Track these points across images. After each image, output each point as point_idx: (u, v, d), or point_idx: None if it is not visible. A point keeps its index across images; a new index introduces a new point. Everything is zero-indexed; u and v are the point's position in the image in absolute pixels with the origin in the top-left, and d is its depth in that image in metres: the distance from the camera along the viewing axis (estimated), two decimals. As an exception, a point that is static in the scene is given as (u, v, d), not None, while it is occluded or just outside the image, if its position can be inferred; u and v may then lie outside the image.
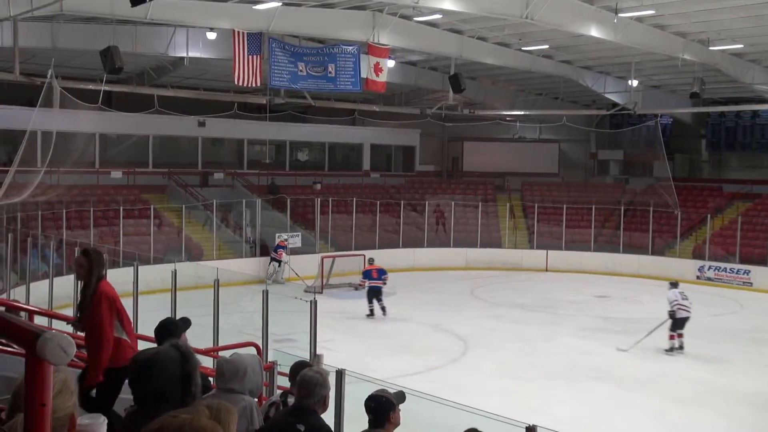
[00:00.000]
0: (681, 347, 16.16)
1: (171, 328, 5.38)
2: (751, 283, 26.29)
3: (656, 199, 31.13)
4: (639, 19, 22.85)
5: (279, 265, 25.02)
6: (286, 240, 25.62)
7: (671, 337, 16.29)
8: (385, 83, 24.83)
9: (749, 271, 26.79)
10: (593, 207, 31.16)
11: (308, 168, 34.95)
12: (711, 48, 25.51)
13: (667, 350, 16.13)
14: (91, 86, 23.26)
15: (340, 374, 6.38)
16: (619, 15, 21.71)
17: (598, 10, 21.78)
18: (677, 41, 24.73)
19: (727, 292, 25.49)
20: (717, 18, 22.50)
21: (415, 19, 23.73)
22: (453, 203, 31.52)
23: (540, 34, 24.69)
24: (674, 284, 16.97)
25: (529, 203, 33.30)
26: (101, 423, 2.87)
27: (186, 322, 5.83)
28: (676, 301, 16.29)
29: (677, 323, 16.18)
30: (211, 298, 10.94)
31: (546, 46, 27.19)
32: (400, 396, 4.59)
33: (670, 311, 16.23)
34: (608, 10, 21.60)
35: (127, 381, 3.37)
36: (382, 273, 20.44)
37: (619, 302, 23.20)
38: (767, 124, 34.18)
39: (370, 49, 23.43)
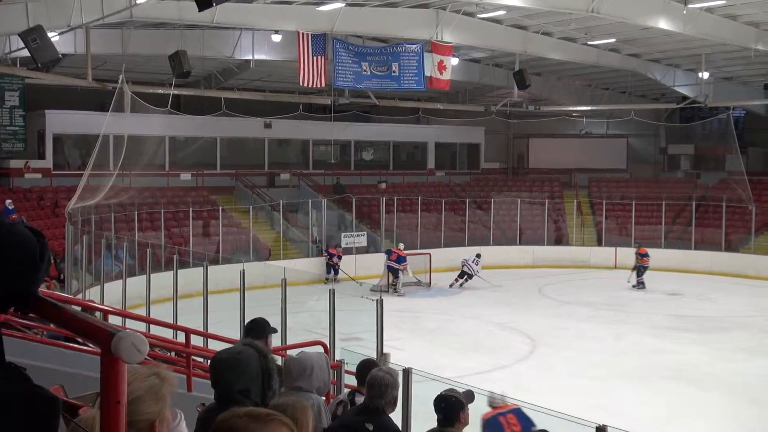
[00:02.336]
0: None
1: (257, 328, 5.42)
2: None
3: (729, 194, 30.30)
4: (709, 9, 22.29)
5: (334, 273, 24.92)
6: (337, 247, 25.50)
7: None
8: (449, 81, 24.76)
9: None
10: (663, 203, 30.50)
11: (373, 167, 35.06)
12: (786, 37, 24.74)
13: None
14: (160, 90, 23.80)
15: (407, 373, 6.37)
16: (689, 6, 21.22)
17: (666, 2, 21.33)
18: (750, 31, 24.05)
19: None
20: (791, 6, 21.82)
21: (478, 15, 23.59)
22: (519, 201, 31.22)
23: (606, 27, 24.28)
24: None
25: (596, 200, 32.77)
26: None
27: (273, 329, 5.90)
28: None
29: None
30: (278, 298, 11.05)
31: (613, 40, 26.74)
32: (470, 395, 4.57)
33: None
34: (677, 1, 21.14)
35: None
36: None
37: (691, 300, 22.65)
38: None
39: (434, 47, 23.38)
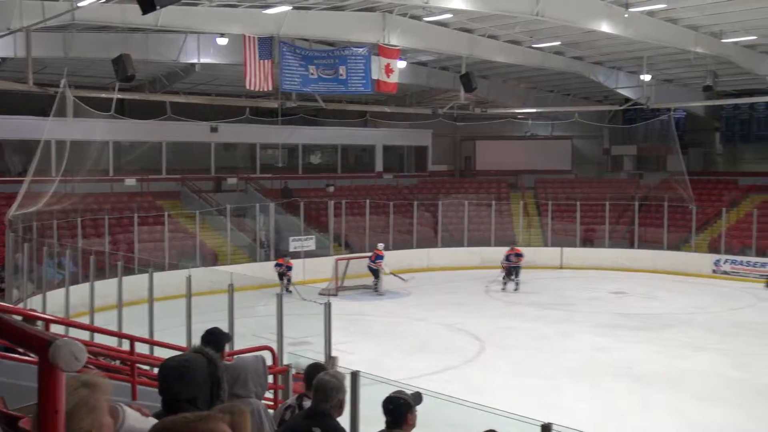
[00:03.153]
0: None
1: (215, 339, 5.35)
2: (769, 276, 26.10)
3: (671, 194, 30.98)
4: (650, 13, 22.75)
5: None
6: (285, 257, 25.15)
7: None
8: (396, 84, 24.84)
9: (766, 264, 26.60)
10: (607, 203, 31.03)
11: (321, 171, 35.00)
12: (723, 40, 25.35)
13: None
14: (103, 95, 23.40)
15: (354, 376, 6.38)
16: (630, 9, 21.62)
17: (608, 5, 21.71)
18: (689, 34, 24.59)
19: (745, 285, 25.30)
20: (729, 10, 22.37)
21: (425, 19, 23.73)
22: (467, 202, 31.45)
23: (551, 30, 24.63)
24: None
25: (542, 201, 33.20)
26: None
27: (228, 337, 5.85)
28: None
29: None
30: (226, 303, 10.96)
31: (557, 43, 27.13)
32: (418, 397, 4.58)
33: None
34: (619, 5, 21.52)
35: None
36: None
37: (635, 298, 23.08)
38: (782, 116, 33.96)
39: (381, 50, 23.45)
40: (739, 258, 27.37)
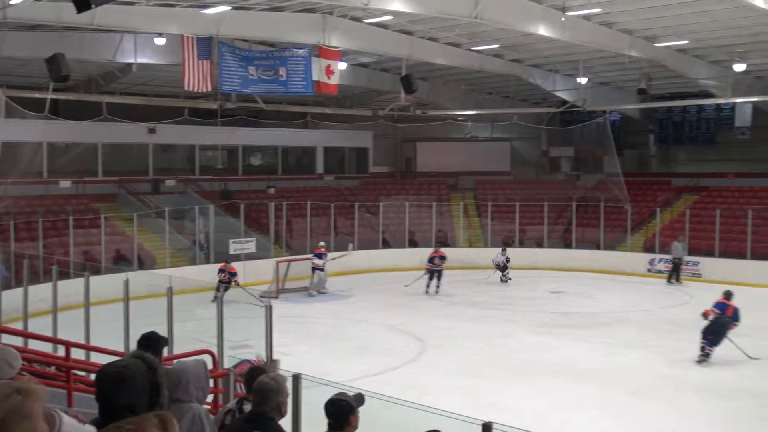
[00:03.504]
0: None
1: (152, 343, 5.27)
2: (700, 275, 26.81)
3: (607, 195, 31.61)
4: (586, 17, 23.16)
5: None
6: (227, 262, 24.97)
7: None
8: (336, 85, 24.81)
9: (698, 263, 27.32)
10: (545, 204, 31.49)
11: (261, 172, 34.74)
12: (657, 44, 25.96)
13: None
14: (37, 95, 22.86)
15: (296, 379, 6.36)
16: (567, 13, 21.97)
17: (546, 9, 22.02)
18: (624, 38, 25.10)
19: (678, 283, 25.93)
20: (662, 15, 22.90)
21: (365, 20, 23.74)
22: (407, 204, 31.58)
23: (489, 33, 24.89)
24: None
25: (482, 202, 33.53)
26: None
27: (166, 341, 5.76)
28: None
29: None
30: (164, 307, 10.80)
31: (496, 46, 27.43)
32: (360, 398, 4.58)
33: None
34: (556, 9, 21.85)
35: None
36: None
37: (573, 297, 23.47)
38: (713, 119, 34.88)
39: (321, 51, 23.39)
40: (672, 257, 28.03)
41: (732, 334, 15.21)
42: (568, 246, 30.61)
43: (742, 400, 12.48)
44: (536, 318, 19.89)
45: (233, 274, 22.81)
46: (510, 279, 26.36)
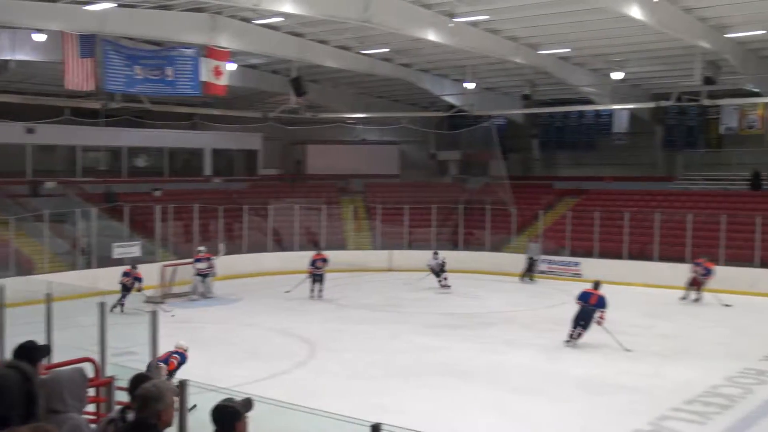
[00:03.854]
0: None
1: (29, 353, 5.01)
2: (581, 274, 27.80)
3: (493, 197, 32.42)
4: (473, 23, 23.68)
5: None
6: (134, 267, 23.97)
7: None
8: (225, 86, 24.51)
9: (578, 263, 28.36)
10: (434, 206, 31.99)
11: (147, 174, 33.90)
12: (540, 52, 26.80)
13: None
14: None
15: (182, 385, 6.24)
16: (455, 19, 22.41)
17: (434, 15, 22.39)
18: (509, 45, 25.80)
19: (559, 284, 26.83)
20: (545, 23, 23.66)
21: (254, 21, 23.55)
22: (297, 206, 31.46)
23: (379, 37, 25.11)
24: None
25: (371, 204, 33.76)
26: None
27: (46, 350, 5.52)
28: None
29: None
30: (43, 314, 10.39)
31: (385, 50, 27.69)
32: (247, 404, 4.54)
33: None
34: (444, 15, 22.25)
35: None
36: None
37: (460, 298, 23.92)
38: (592, 124, 36.21)
39: (210, 52, 23.06)
40: (554, 258, 29.01)
41: (607, 324, 16.12)
42: (455, 248, 31.18)
43: (619, 394, 13.03)
44: (423, 319, 20.17)
45: (138, 279, 21.70)
46: (449, 286, 25.31)
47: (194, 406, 8.06)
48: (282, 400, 8.43)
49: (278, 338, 17.82)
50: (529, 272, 27.82)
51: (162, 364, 9.82)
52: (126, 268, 22.27)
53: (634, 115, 34.66)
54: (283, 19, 22.91)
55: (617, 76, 28.76)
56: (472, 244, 31.32)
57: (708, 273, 23.04)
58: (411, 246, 31.48)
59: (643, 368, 14.82)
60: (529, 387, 13.55)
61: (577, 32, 24.63)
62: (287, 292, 23.83)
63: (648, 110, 33.29)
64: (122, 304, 20.16)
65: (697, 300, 22.96)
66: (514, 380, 14.01)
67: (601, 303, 16.69)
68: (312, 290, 23.72)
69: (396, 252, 30.68)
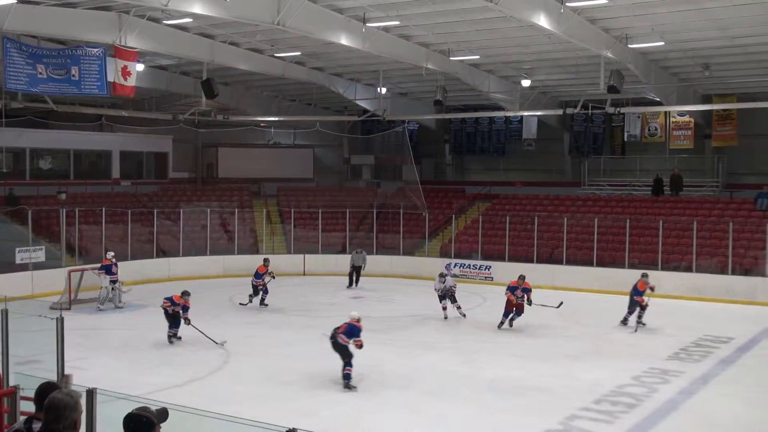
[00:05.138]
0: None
1: None
2: (492, 278, 28.28)
3: (406, 202, 32.66)
4: (386, 29, 23.80)
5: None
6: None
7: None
8: (134, 87, 23.88)
9: (490, 267, 28.82)
10: (347, 210, 32.03)
11: (51, 177, 32.82)
12: (451, 58, 27.15)
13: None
14: None
15: (91, 394, 6.06)
16: (367, 24, 22.47)
17: (347, 20, 22.40)
18: (421, 51, 26.05)
19: (472, 287, 27.19)
20: (456, 30, 23.97)
21: (164, 22, 23.07)
22: (209, 210, 30.98)
23: (292, 41, 24.98)
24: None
25: (285, 208, 33.56)
26: None
27: None
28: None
29: None
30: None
31: (298, 53, 27.57)
32: (163, 413, 4.43)
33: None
34: (357, 20, 22.28)
35: None
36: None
37: (374, 302, 23.99)
38: (502, 130, 36.96)
39: (117, 51, 22.45)
40: (466, 261, 29.41)
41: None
42: (369, 251, 31.25)
43: (530, 395, 13.28)
44: (338, 323, 20.11)
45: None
46: (464, 315, 21.37)
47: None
48: (196, 407, 8.29)
49: (191, 344, 17.48)
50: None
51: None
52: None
53: (542, 121, 35.52)
54: (192, 20, 22.53)
55: (526, 83, 29.43)
56: (385, 247, 31.47)
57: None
58: (324, 250, 31.42)
59: (554, 369, 15.15)
60: (443, 389, 13.68)
61: (487, 40, 25.06)
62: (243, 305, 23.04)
63: (556, 117, 34.16)
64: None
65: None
66: (429, 383, 14.12)
67: (526, 290, 19.62)
68: (250, 300, 22.85)
69: (310, 256, 30.55)
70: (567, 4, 20.53)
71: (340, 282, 27.34)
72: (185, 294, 17.91)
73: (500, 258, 29.15)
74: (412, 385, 13.92)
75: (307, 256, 30.57)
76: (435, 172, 39.35)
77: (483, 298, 24.64)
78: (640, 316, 19.89)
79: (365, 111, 34.63)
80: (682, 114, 32.78)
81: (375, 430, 11.46)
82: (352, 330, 13.91)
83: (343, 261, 29.03)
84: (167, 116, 32.19)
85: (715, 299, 24.22)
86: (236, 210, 31.97)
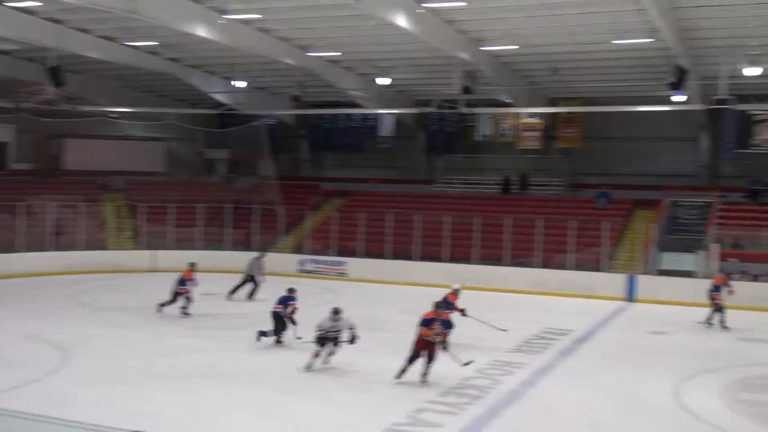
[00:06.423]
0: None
1: None
2: (346, 274, 28.53)
3: (261, 197, 32.41)
4: (245, 21, 23.54)
5: None
6: None
7: None
8: (-29, 72, 22.58)
9: (344, 263, 29.06)
10: (201, 205, 31.42)
11: None
12: (310, 54, 27.17)
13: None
14: None
15: None
16: (225, 16, 22.18)
17: (205, 10, 22.01)
18: (280, 45, 25.92)
19: (326, 283, 27.34)
20: (316, 26, 24.03)
21: (6, 4, 21.88)
22: (54, 204, 29.56)
23: (146, 29, 24.28)
24: None
25: (135, 203, 32.50)
26: None
27: None
28: None
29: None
30: None
31: (153, 43, 26.84)
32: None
33: None
34: (215, 11, 21.95)
35: None
36: None
37: (223, 299, 23.58)
38: (359, 127, 37.28)
39: (-48, 33, 21.15)
40: (321, 258, 29.52)
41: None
42: (223, 248, 30.80)
43: (377, 389, 13.46)
44: (186, 321, 19.75)
45: None
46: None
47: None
48: (32, 411, 7.92)
49: (26, 345, 16.57)
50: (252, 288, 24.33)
51: None
52: None
53: (398, 120, 36.12)
54: (40, 3, 21.50)
55: (383, 81, 29.84)
56: (239, 243, 31.08)
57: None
58: (177, 246, 30.70)
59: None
60: (292, 386, 13.65)
61: (346, 37, 25.25)
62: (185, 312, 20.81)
63: (412, 116, 34.83)
64: None
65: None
66: (278, 380, 14.07)
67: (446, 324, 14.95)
68: (168, 305, 20.82)
69: (161, 252, 29.76)
70: (424, 5, 20.99)
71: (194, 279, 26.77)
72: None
73: (354, 254, 29.43)
74: (262, 383, 13.82)
75: (157, 252, 29.77)
76: (291, 167, 39.22)
77: (334, 294, 24.78)
78: (722, 320, 20.64)
79: (222, 104, 34.11)
80: (531, 116, 34.17)
81: (220, 430, 11.30)
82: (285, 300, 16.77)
83: (198, 257, 28.44)
84: (9, 104, 30.55)
85: (557, 293, 25.40)
86: (83, 204, 30.63)
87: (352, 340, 14.68)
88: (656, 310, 23.82)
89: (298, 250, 30.67)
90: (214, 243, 31.03)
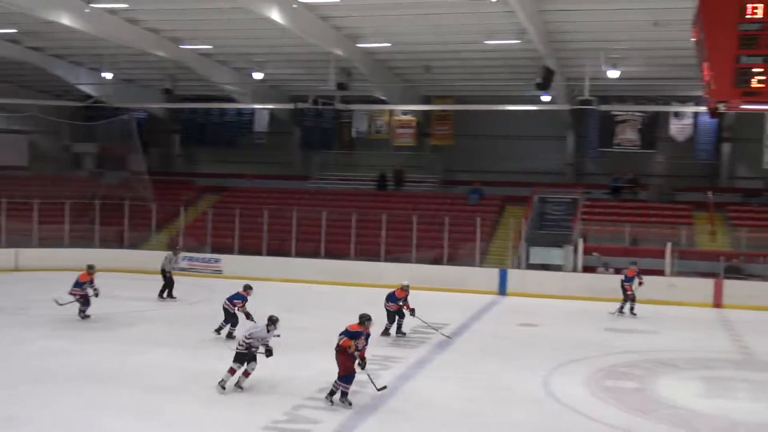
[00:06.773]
0: None
1: None
2: (222, 271, 28.12)
3: (131, 193, 31.45)
4: (112, 11, 22.82)
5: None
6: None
7: None
8: None
9: (219, 260, 28.63)
10: (67, 202, 30.20)
11: None
12: (182, 46, 26.60)
13: None
14: None
15: None
16: (92, 5, 21.42)
17: (69, -2, 21.17)
18: (150, 37, 25.25)
19: (200, 280, 26.87)
20: (187, 18, 23.53)
21: None
22: None
23: (6, 16, 23.15)
24: None
25: (-4, 199, 30.88)
26: None
27: None
28: None
29: None
30: None
31: (13, 30, 25.61)
32: None
33: None
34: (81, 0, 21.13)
35: None
36: None
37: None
38: (234, 122, 36.75)
39: None
40: (195, 255, 28.95)
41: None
42: (91, 245, 29.71)
43: (257, 387, 13.32)
44: (54, 322, 18.95)
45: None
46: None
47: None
48: None
49: None
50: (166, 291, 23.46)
51: None
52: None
53: (274, 115, 35.87)
54: None
55: (258, 76, 29.54)
56: (108, 241, 30.06)
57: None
58: (42, 244, 29.40)
59: (282, 361, 15.33)
60: (168, 385, 13.35)
61: (219, 30, 24.86)
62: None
63: (287, 111, 34.68)
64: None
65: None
66: (154, 379, 13.71)
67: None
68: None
69: (24, 250, 28.42)
70: (300, 0, 20.94)
71: (60, 278, 25.66)
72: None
73: (230, 251, 29.05)
74: (137, 383, 13.44)
75: (20, 250, 28.41)
76: (163, 162, 38.25)
77: (212, 291, 24.35)
78: (632, 308, 22.43)
79: (89, 96, 32.91)
80: (405, 113, 34.66)
81: (97, 432, 10.94)
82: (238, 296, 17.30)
83: (65, 255, 27.38)
84: None
85: (432, 288, 25.86)
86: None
87: (268, 352, 13.15)
88: (527, 303, 24.68)
89: (170, 247, 29.94)
90: (82, 240, 29.85)
